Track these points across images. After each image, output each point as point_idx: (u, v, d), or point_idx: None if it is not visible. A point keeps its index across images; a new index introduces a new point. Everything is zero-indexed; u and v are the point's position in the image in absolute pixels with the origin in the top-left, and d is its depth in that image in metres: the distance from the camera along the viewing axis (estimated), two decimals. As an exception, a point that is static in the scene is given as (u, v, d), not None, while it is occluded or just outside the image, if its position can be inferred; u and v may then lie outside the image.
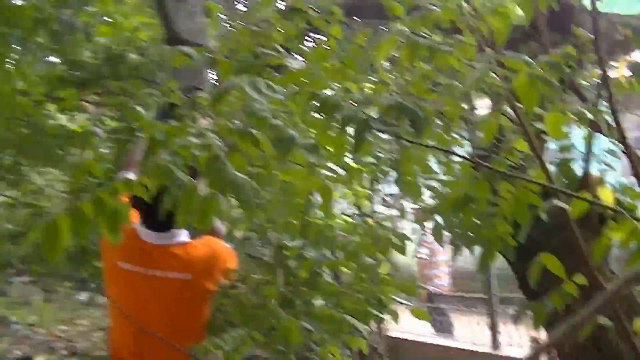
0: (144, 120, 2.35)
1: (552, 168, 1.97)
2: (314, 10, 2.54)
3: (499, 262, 2.28)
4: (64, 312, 12.42)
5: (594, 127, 1.88)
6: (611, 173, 2.17)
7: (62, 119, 7.88)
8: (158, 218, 3.12)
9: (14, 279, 14.67)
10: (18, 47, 5.90)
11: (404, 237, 2.92)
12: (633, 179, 1.82)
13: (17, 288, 14.38)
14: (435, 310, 9.30)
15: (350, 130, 1.49)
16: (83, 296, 13.53)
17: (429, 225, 2.56)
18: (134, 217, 3.14)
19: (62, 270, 9.09)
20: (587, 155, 2.07)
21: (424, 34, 1.71)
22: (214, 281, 3.09)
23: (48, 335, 10.62)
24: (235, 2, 7.84)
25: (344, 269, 3.09)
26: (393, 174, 2.41)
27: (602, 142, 2.12)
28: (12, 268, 14.83)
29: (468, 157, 1.73)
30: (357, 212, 3.51)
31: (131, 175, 3.31)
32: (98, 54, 6.92)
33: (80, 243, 5.94)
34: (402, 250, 2.93)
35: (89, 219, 1.30)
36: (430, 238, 4.35)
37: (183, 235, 3.11)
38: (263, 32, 2.56)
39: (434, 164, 2.35)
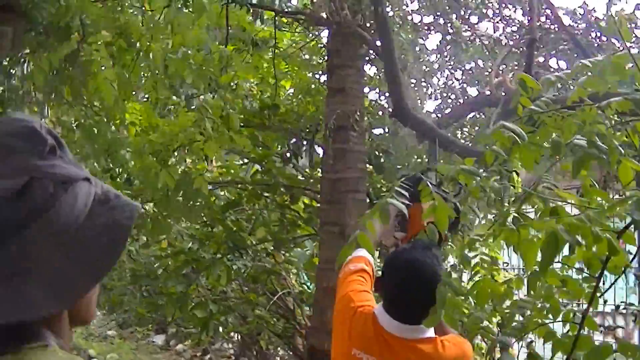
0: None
1: None
2: None
3: None
4: (141, 353, 12.21)
5: None
6: None
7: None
8: (408, 308, 2.85)
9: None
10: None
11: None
12: None
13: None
14: None
15: None
16: (159, 339, 13.35)
17: None
18: (373, 302, 2.82)
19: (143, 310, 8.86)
20: None
21: None
22: (459, 386, 2.73)
23: (129, 376, 10.39)
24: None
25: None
26: None
27: None
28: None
29: None
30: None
31: (365, 253, 3.00)
32: (239, 97, 6.73)
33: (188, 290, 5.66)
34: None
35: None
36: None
37: (430, 331, 2.74)
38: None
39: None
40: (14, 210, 1.02)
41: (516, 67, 6.25)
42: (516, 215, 2.18)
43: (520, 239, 2.02)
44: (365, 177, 5.85)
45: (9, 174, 1.04)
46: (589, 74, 2.39)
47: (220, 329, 8.12)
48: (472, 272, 2.57)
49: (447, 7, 6.06)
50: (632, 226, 1.80)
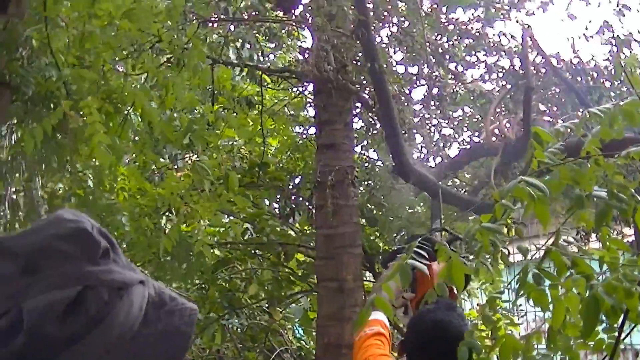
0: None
1: None
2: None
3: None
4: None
5: None
6: None
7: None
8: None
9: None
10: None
11: None
12: None
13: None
14: None
15: None
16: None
17: None
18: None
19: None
20: None
21: None
22: None
23: None
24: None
25: None
26: None
27: None
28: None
29: None
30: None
31: (380, 316, 2.92)
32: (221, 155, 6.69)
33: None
34: None
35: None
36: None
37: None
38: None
39: None
40: (65, 324, 0.91)
41: (504, 113, 6.24)
42: (537, 271, 2.12)
43: (548, 298, 1.97)
44: (359, 231, 5.80)
45: (60, 283, 0.93)
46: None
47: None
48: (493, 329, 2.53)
49: (432, 58, 6.06)
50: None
